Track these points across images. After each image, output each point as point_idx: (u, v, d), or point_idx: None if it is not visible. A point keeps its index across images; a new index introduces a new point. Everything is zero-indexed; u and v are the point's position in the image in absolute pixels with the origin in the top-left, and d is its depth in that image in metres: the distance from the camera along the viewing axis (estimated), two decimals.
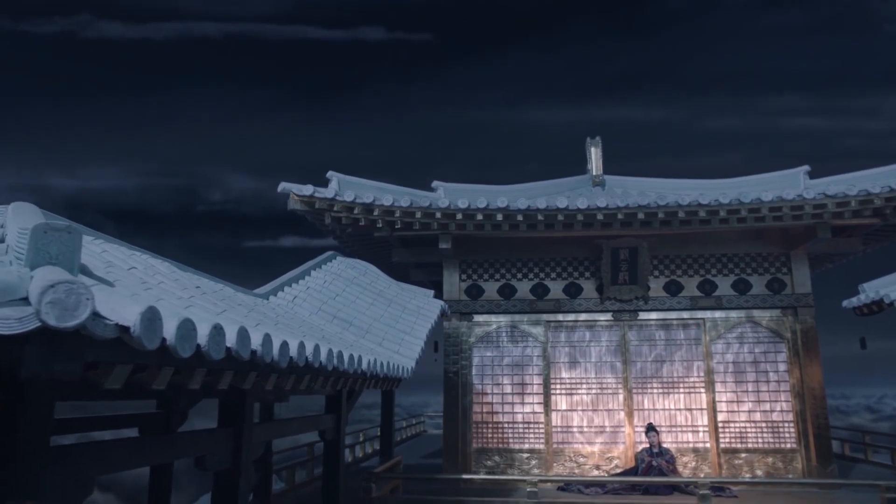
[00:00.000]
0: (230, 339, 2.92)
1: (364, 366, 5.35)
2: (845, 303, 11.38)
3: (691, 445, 13.14)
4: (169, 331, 2.42)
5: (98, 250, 4.10)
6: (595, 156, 15.99)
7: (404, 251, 14.37)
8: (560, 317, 13.91)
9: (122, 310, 2.23)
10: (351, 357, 4.94)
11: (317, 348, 4.08)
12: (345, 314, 8.67)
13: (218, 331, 2.77)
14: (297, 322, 6.28)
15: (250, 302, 6.10)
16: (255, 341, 3.21)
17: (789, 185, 12.89)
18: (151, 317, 2.26)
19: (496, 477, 9.88)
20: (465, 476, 9.27)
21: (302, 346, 3.84)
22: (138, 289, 3.14)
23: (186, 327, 2.50)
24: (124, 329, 2.18)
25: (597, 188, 15.27)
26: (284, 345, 3.54)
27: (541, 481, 8.60)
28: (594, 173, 15.66)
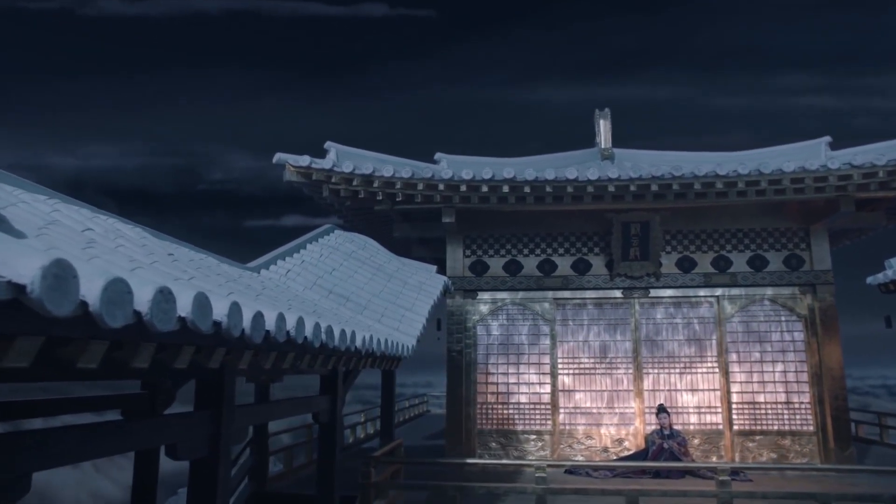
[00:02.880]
0: (184, 307, 2.38)
1: (358, 343, 4.82)
2: (870, 279, 10.79)
3: (703, 427, 12.67)
4: (92, 293, 1.87)
5: (47, 209, 3.55)
6: (604, 128, 15.31)
7: (406, 226, 13.81)
8: (568, 294, 13.38)
9: (21, 264, 1.68)
10: (343, 333, 4.41)
11: (300, 322, 3.55)
12: (342, 289, 8.14)
13: (165, 295, 2.22)
14: (286, 296, 5.74)
15: (234, 273, 5.56)
16: (220, 311, 2.67)
17: (810, 156, 12.23)
18: (59, 273, 1.71)
19: (503, 462, 9.42)
20: (469, 461, 8.82)
21: (282, 318, 3.30)
22: (72, 246, 2.59)
23: (117, 289, 1.95)
24: (20, 288, 1.64)
25: (606, 161, 14.63)
26: (258, 316, 3.00)
27: (549, 466, 8.11)
28: (603, 146, 15.00)
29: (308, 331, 3.70)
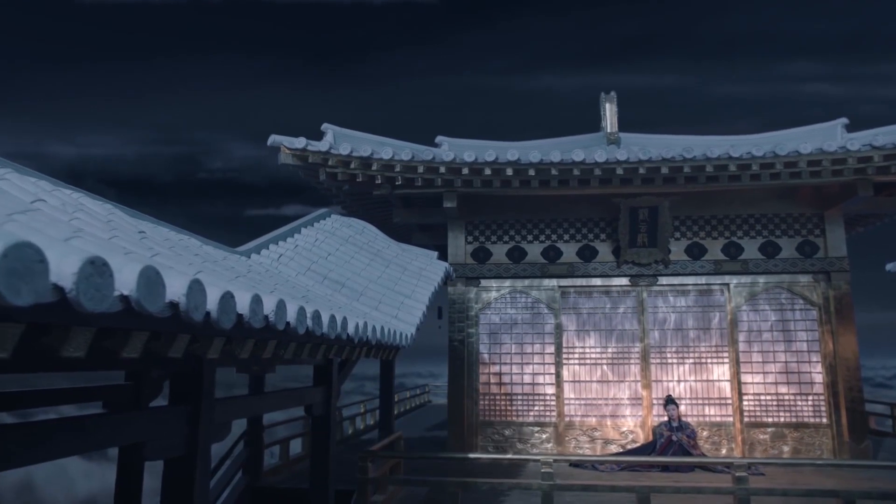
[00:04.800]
0: (127, 283, 1.95)
1: (350, 330, 4.40)
2: (890, 266, 10.40)
3: (713, 419, 12.27)
4: None
5: None
6: (610, 112, 14.77)
7: (406, 212, 13.36)
8: (573, 282, 12.94)
9: None
10: (332, 319, 3.98)
11: (281, 305, 3.12)
12: (337, 275, 7.71)
13: (97, 268, 1.79)
14: (274, 280, 5.31)
15: (217, 255, 5.13)
16: (178, 290, 2.24)
17: (826, 138, 11.74)
18: None
19: (507, 456, 9.03)
20: (471, 455, 8.43)
21: (257, 301, 2.87)
22: None
23: (21, 257, 1.52)
24: None
25: (612, 146, 14.13)
26: (227, 297, 2.57)
27: (556, 460, 7.71)
28: (609, 130, 14.46)
29: (290, 316, 3.27)
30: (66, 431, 2.83)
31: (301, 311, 3.41)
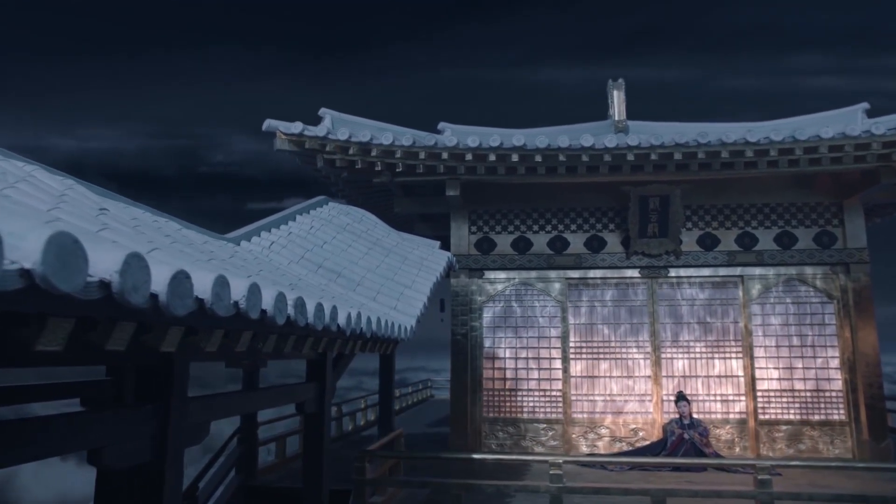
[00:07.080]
0: (29, 255, 1.49)
1: (342, 321, 3.93)
2: None
3: (726, 416, 11.80)
4: None
5: None
6: (618, 99, 14.22)
7: (407, 201, 12.88)
8: (581, 273, 12.45)
9: None
10: (319, 308, 3.52)
11: (254, 290, 2.65)
12: (332, 264, 7.26)
13: None
14: (259, 266, 4.85)
15: (196, 239, 4.66)
16: (109, 266, 1.78)
17: (847, 124, 11.22)
18: None
19: (513, 457, 8.58)
20: (475, 455, 7.99)
21: (222, 283, 2.40)
22: None
23: None
24: None
25: (620, 134, 13.61)
26: (181, 278, 2.11)
27: (566, 462, 7.26)
28: (617, 118, 13.93)
29: (267, 303, 2.81)
30: (6, 438, 2.37)
31: (280, 297, 2.94)
